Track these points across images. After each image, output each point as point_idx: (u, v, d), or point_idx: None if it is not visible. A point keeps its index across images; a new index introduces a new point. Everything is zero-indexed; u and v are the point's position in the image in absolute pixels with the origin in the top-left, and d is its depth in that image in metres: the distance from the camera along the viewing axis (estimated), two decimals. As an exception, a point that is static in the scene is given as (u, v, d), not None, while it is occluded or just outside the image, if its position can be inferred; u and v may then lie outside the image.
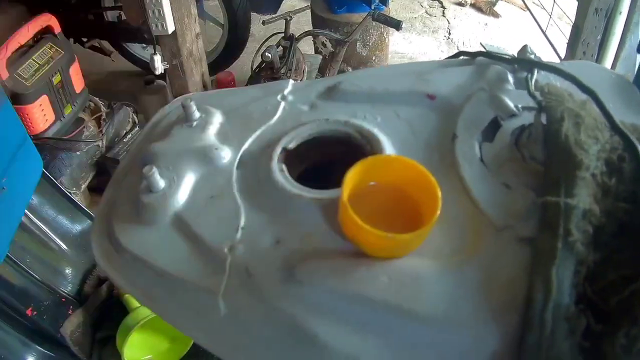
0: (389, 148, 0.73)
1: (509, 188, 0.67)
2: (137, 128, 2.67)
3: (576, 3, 2.58)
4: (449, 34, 4.94)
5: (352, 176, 0.60)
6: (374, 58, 3.67)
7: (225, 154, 0.75)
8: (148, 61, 2.68)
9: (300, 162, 0.78)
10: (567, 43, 2.86)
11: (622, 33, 2.49)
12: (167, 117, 0.88)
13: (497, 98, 0.78)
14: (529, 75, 0.80)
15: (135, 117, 2.70)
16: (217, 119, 0.80)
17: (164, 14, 2.44)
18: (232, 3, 3.32)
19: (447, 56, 1.02)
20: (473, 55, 0.92)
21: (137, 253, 0.68)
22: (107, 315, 1.93)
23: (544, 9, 4.42)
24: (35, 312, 1.76)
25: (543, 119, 0.70)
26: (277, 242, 0.64)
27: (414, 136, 0.76)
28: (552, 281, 0.53)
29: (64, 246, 1.98)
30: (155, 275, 0.67)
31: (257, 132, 0.79)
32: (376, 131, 0.75)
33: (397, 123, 0.79)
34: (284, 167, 0.71)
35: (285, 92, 0.86)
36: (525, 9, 5.02)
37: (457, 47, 4.75)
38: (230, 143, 0.77)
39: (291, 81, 0.88)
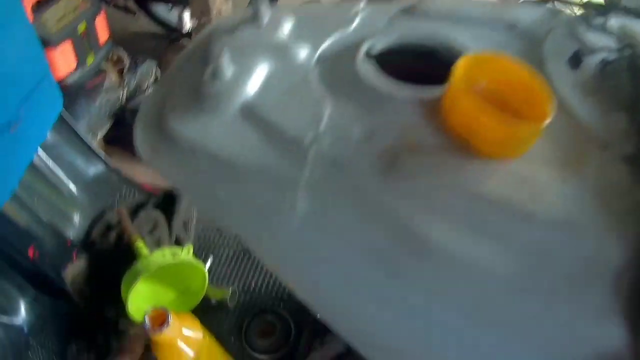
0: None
1: (604, 111, 0.64)
2: (159, 83, 2.62)
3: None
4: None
5: (462, 66, 0.54)
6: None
7: (302, 51, 0.68)
8: (172, 24, 2.64)
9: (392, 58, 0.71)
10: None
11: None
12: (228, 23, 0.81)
13: (576, 35, 0.77)
14: (606, 18, 0.80)
15: (159, 71, 2.64)
16: (290, 20, 0.73)
17: (194, -29, 2.40)
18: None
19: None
20: (544, 1, 0.92)
21: (197, 142, 0.60)
22: (112, 263, 1.87)
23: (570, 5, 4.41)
24: (37, 253, 1.69)
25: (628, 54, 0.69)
26: (369, 135, 0.57)
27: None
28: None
29: (74, 190, 1.92)
30: (218, 168, 0.59)
31: (335, 36, 0.72)
32: (465, 47, 0.69)
33: (481, 44, 0.73)
34: (375, 62, 0.64)
35: (360, 7, 0.79)
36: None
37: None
38: (307, 42, 0.70)
39: (364, -1, 0.82)
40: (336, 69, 0.67)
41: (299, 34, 0.72)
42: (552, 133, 0.57)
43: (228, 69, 0.63)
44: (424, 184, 0.51)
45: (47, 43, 2.17)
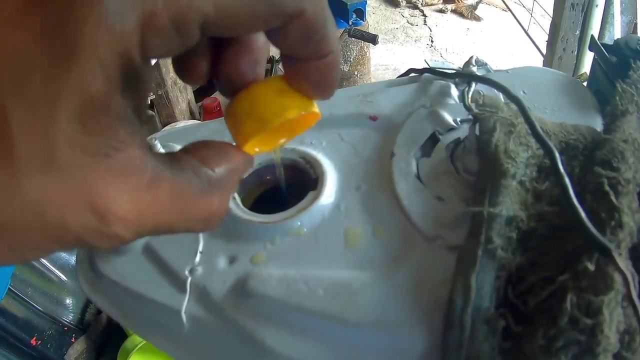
0: (330, 170, 0.81)
1: (441, 200, 0.72)
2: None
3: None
4: (432, 42, 5.02)
5: None
6: (356, 73, 3.71)
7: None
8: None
9: (257, 187, 0.86)
10: (547, 41, 2.91)
11: (600, 27, 2.54)
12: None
13: (435, 113, 0.82)
14: (466, 89, 0.84)
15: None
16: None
17: (146, 47, 2.49)
18: (214, 30, 3.39)
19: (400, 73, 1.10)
20: (420, 71, 0.97)
21: (114, 278, 0.77)
22: (108, 341, 2.03)
23: (525, 7, 4.49)
24: (39, 342, 1.85)
25: (478, 130, 0.72)
26: (230, 262, 0.73)
27: (356, 156, 0.84)
28: (472, 285, 0.55)
29: (63, 277, 2.08)
30: (130, 297, 0.75)
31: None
32: (319, 155, 0.84)
33: (340, 145, 0.86)
34: (236, 195, 0.80)
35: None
36: (507, 10, 5.11)
37: (440, 54, 4.84)
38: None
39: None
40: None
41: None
42: (384, 234, 0.70)
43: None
44: (262, 301, 0.67)
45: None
